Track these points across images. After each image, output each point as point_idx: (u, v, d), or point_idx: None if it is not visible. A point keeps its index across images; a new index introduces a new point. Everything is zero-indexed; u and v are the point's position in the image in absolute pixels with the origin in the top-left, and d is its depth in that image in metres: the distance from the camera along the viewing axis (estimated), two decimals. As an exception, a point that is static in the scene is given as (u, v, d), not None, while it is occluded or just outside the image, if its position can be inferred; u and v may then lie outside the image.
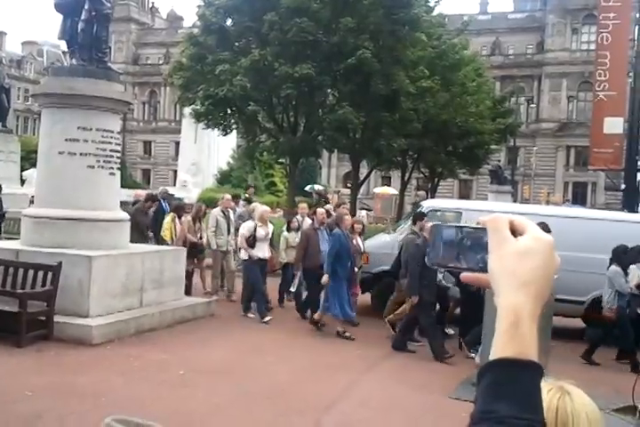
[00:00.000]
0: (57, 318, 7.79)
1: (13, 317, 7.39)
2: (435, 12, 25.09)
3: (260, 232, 10.07)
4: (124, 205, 10.83)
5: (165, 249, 10.26)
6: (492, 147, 31.04)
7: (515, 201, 31.39)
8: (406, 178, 30.31)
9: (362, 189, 29.51)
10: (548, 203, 37.61)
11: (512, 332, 0.81)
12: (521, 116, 50.71)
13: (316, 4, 19.12)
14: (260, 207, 10.89)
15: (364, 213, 25.30)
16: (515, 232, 0.86)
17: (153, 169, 69.17)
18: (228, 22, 21.12)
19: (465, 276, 0.91)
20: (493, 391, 0.80)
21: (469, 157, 28.90)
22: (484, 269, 0.87)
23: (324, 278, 9.22)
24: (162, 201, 13.27)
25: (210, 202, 19.15)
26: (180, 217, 11.62)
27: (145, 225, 11.66)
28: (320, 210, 10.75)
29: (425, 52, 21.82)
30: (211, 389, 6.55)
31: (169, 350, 7.83)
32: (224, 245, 11.51)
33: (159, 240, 11.55)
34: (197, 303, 9.99)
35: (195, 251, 11.45)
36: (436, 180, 32.90)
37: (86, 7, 9.41)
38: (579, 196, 53.38)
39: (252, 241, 10.00)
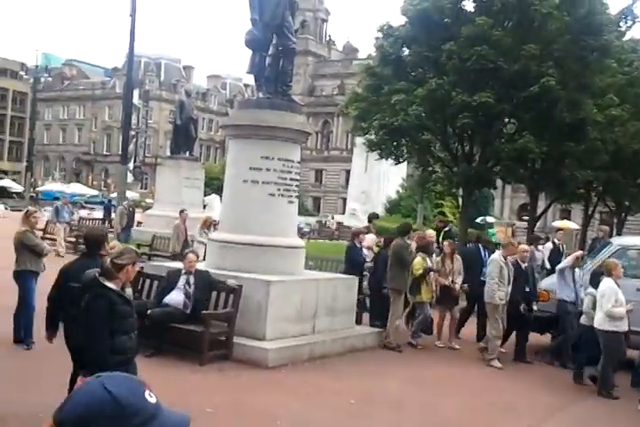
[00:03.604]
0: (235, 339, 8.05)
1: (197, 336, 7.76)
2: (626, 37, 23.54)
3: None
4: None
5: (339, 277, 10.31)
6: (690, 180, 28.28)
7: None
8: (590, 212, 28.48)
9: (538, 223, 28.05)
10: None
11: None
12: None
13: (497, 32, 18.69)
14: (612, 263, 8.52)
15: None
16: None
17: (323, 197, 71.24)
18: (405, 53, 21.27)
19: None
20: None
21: (662, 190, 26.54)
22: None
23: None
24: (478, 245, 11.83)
25: (381, 231, 19.14)
26: (430, 256, 10.53)
27: (409, 264, 10.07)
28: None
29: (615, 79, 20.46)
30: (381, 421, 6.42)
31: (340, 378, 7.80)
32: (504, 298, 9.61)
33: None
34: (368, 333, 9.91)
35: (447, 297, 10.46)
36: (623, 214, 30.60)
37: (274, 42, 9.89)
38: None
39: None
